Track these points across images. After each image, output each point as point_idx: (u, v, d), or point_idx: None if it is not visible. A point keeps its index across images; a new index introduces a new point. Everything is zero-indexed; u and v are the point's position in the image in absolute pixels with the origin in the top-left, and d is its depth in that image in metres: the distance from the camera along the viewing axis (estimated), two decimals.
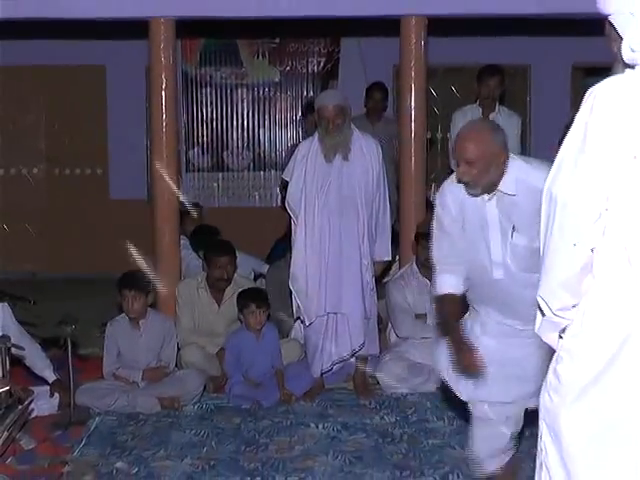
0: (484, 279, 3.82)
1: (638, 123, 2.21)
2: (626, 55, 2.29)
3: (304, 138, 6.76)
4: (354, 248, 5.58)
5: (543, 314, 2.41)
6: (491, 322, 3.87)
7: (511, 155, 3.72)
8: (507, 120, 6.92)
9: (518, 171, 3.67)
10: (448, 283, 3.86)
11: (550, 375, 2.41)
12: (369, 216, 5.64)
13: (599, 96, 2.25)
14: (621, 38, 2.30)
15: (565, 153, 2.29)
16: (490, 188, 3.69)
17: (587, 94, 2.30)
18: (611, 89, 2.26)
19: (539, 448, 2.45)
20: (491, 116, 6.84)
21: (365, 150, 5.62)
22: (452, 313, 3.87)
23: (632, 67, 2.29)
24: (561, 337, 2.39)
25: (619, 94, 2.24)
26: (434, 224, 3.91)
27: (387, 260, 5.94)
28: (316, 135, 5.67)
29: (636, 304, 2.22)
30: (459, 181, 3.72)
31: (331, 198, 5.54)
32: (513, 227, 3.69)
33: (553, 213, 2.28)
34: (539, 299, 2.40)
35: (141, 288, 5.64)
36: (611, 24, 2.34)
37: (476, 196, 3.74)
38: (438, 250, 3.89)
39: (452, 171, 7.09)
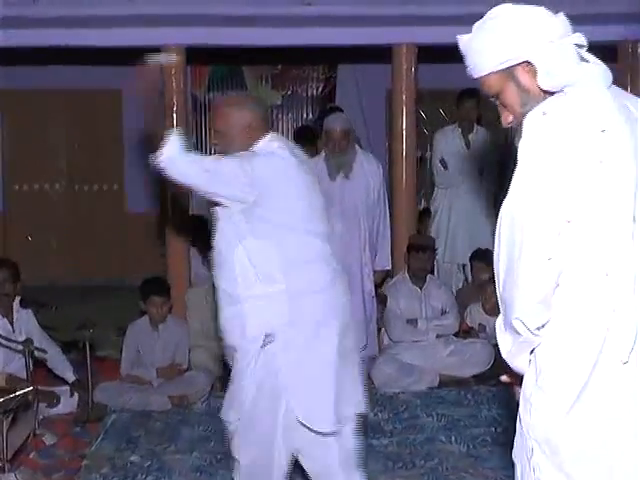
0: None
1: (596, 131, 2.08)
2: (546, 83, 2.16)
3: None
4: (355, 257, 5.60)
5: (516, 336, 2.17)
6: None
7: None
8: (484, 140, 6.89)
9: None
10: None
11: (531, 392, 2.18)
12: (370, 228, 5.67)
13: (550, 116, 2.11)
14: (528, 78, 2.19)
15: (519, 177, 2.11)
16: None
17: (531, 119, 2.14)
18: (558, 113, 2.11)
19: (528, 470, 2.18)
20: (470, 136, 6.82)
21: (366, 168, 5.65)
22: None
23: (559, 92, 2.15)
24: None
25: (566, 117, 2.10)
26: None
27: (387, 269, 5.93)
28: (322, 155, 5.71)
29: (609, 310, 2.10)
30: None
31: (334, 211, 5.52)
32: None
33: (519, 234, 2.08)
34: (515, 322, 2.14)
35: (168, 294, 5.65)
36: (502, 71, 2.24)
37: None
38: None
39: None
